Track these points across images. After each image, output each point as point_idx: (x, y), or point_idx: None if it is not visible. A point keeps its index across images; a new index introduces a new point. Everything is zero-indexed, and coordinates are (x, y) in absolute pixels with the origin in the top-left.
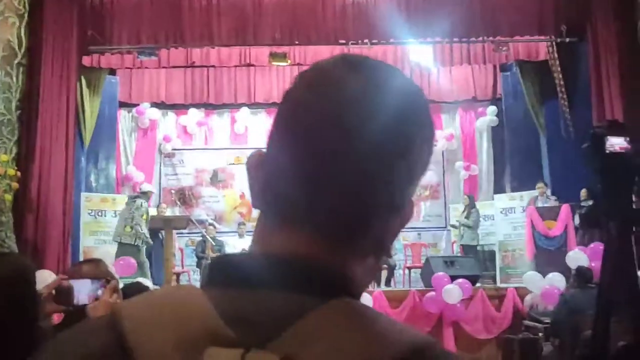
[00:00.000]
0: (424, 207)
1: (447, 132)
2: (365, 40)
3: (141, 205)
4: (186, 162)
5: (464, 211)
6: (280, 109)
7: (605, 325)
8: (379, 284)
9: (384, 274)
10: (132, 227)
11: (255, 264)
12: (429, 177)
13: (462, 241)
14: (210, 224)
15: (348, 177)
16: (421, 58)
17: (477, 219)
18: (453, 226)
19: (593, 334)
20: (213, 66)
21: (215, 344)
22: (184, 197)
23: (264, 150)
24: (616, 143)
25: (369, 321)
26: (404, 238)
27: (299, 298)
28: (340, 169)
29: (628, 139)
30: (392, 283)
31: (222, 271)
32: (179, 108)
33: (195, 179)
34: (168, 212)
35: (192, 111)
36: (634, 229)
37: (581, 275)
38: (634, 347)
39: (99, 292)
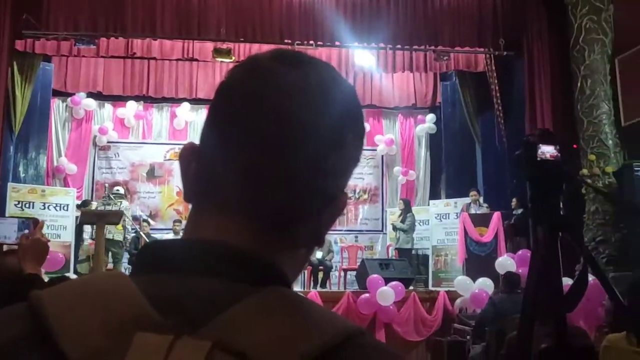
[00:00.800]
0: (362, 211)
1: (387, 137)
2: (311, 42)
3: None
4: (122, 156)
5: (400, 215)
6: (215, 100)
7: (529, 328)
8: (315, 286)
9: (320, 275)
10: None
11: (186, 250)
12: (368, 180)
13: (397, 244)
14: (145, 221)
15: (283, 166)
16: (365, 62)
17: (412, 223)
18: (395, 227)
19: (517, 336)
20: (154, 58)
21: (144, 329)
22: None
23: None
24: (547, 151)
25: (302, 309)
26: (341, 240)
27: (231, 285)
28: (276, 158)
29: (558, 147)
30: (327, 284)
31: (150, 257)
32: (117, 100)
33: (131, 174)
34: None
35: (131, 103)
36: (560, 234)
37: (509, 281)
38: (555, 349)
39: (26, 231)
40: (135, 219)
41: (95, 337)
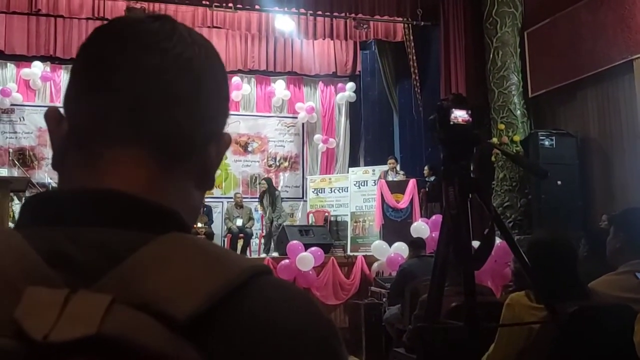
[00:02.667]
0: (283, 178)
1: (308, 104)
2: (230, 4)
3: None
4: (27, 120)
5: (264, 195)
6: (81, 53)
7: (440, 288)
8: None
9: (240, 242)
10: None
11: (74, 200)
12: (289, 148)
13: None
14: (54, 188)
15: (165, 96)
16: (285, 28)
17: (273, 200)
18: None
19: (428, 295)
20: (62, 16)
21: (35, 283)
22: (25, 157)
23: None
24: (459, 115)
25: (204, 252)
26: (262, 208)
27: (125, 234)
28: (156, 89)
29: (470, 112)
30: (248, 251)
31: (37, 209)
32: (21, 60)
33: (38, 139)
34: (5, 173)
35: (36, 64)
36: (470, 195)
37: (414, 245)
38: (463, 307)
39: None
40: (42, 186)
41: None
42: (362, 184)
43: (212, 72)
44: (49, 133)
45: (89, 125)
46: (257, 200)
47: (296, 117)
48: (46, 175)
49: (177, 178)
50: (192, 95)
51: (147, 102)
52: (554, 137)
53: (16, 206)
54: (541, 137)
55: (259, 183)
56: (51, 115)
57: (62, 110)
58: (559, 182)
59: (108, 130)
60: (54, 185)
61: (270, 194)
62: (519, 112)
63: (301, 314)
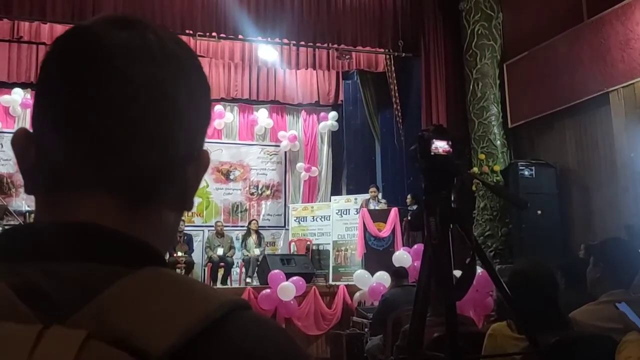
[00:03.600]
0: (265, 206)
1: (290, 133)
2: (213, 34)
3: None
4: (6, 147)
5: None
6: (42, 73)
7: (422, 318)
8: (215, 282)
9: (221, 272)
10: None
11: (47, 234)
12: (271, 176)
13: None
14: (32, 215)
15: (131, 131)
16: (269, 58)
17: (252, 244)
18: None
19: (410, 326)
20: (44, 43)
21: (7, 319)
22: (2, 185)
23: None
24: (440, 146)
25: (181, 286)
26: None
27: (99, 268)
28: (121, 123)
29: (450, 142)
30: (228, 281)
31: (9, 243)
32: (1, 86)
33: (16, 166)
34: None
35: (17, 91)
36: (451, 226)
37: (397, 275)
38: (445, 338)
39: None
40: (20, 214)
41: None
42: (345, 212)
43: (189, 90)
44: (16, 158)
45: (53, 164)
46: (239, 228)
47: (279, 146)
48: (24, 203)
49: (150, 208)
50: (164, 127)
51: (110, 143)
52: (533, 167)
53: None
54: (521, 167)
55: (251, 221)
56: (17, 141)
57: (27, 132)
58: (539, 212)
59: (72, 174)
60: (31, 212)
61: (258, 235)
62: (499, 142)
63: (281, 350)
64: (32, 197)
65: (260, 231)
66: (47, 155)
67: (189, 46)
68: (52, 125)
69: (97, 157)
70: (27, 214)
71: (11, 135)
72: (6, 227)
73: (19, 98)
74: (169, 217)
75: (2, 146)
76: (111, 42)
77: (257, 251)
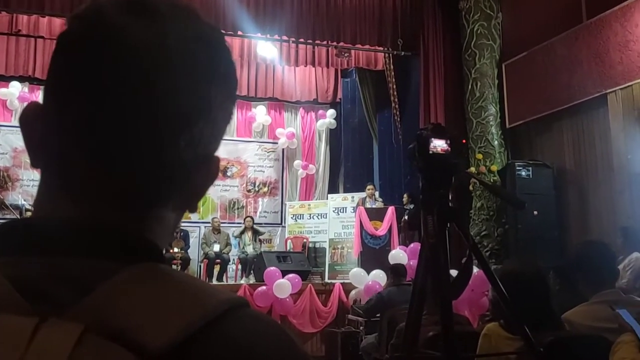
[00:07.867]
0: (262, 203)
1: (288, 130)
2: None
3: None
4: (3, 140)
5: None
6: (56, 56)
7: (417, 316)
8: (211, 278)
9: (216, 268)
10: None
11: (46, 228)
12: (268, 173)
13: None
14: (28, 210)
15: (139, 140)
16: (268, 54)
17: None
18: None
19: (406, 324)
20: (42, 37)
21: (5, 311)
22: None
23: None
24: (438, 145)
25: (179, 283)
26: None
27: (98, 263)
28: (130, 130)
29: (449, 141)
30: (224, 277)
31: (8, 237)
32: None
33: (13, 160)
34: None
35: (14, 84)
36: (448, 224)
37: (395, 272)
38: (440, 337)
39: None
40: (16, 208)
41: None
42: (341, 210)
43: (206, 100)
44: (23, 133)
45: (55, 150)
46: (235, 225)
47: (276, 143)
48: (20, 197)
49: (152, 208)
50: (176, 132)
51: (117, 144)
52: (530, 168)
53: None
54: (518, 168)
55: (246, 218)
56: (26, 114)
57: (38, 106)
58: (536, 212)
59: (75, 168)
60: (28, 207)
61: (254, 232)
62: (496, 142)
63: (278, 347)
64: (29, 191)
65: (257, 228)
66: (52, 141)
67: (220, 37)
68: (61, 126)
69: (102, 155)
70: (23, 208)
71: (8, 128)
72: (2, 220)
73: (17, 91)
74: (170, 217)
75: None
76: (130, 41)
77: (250, 248)
